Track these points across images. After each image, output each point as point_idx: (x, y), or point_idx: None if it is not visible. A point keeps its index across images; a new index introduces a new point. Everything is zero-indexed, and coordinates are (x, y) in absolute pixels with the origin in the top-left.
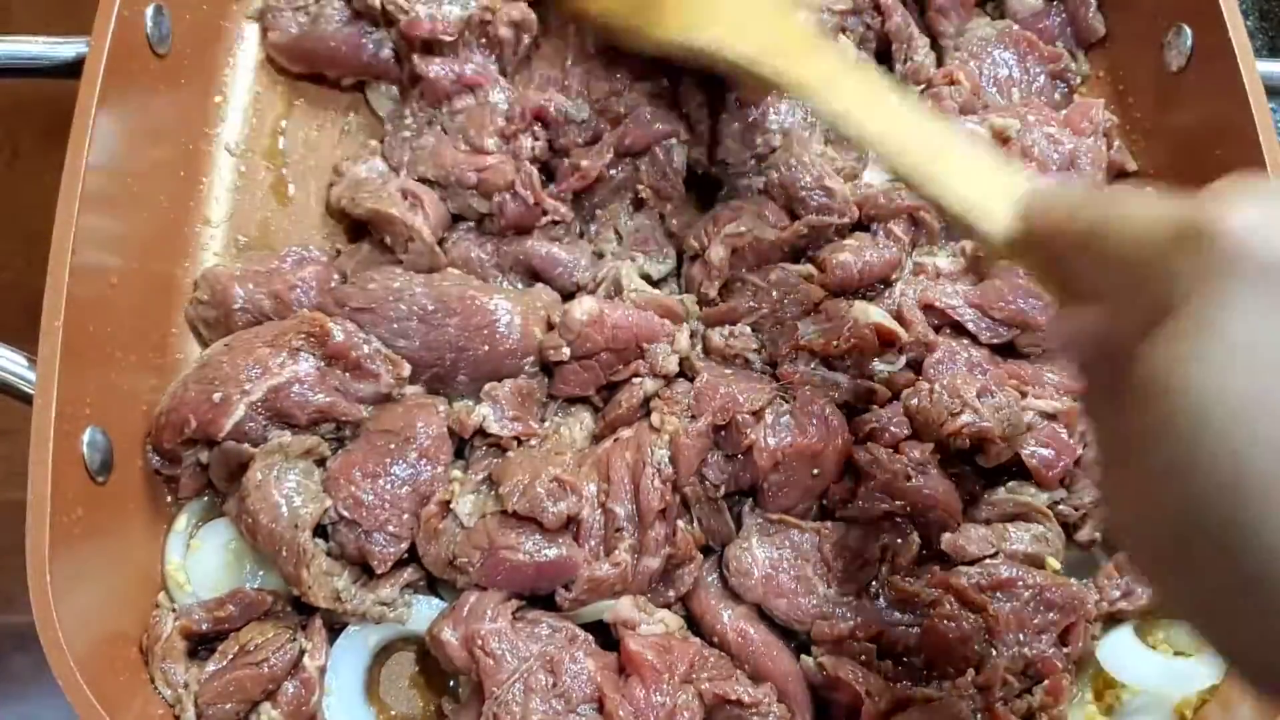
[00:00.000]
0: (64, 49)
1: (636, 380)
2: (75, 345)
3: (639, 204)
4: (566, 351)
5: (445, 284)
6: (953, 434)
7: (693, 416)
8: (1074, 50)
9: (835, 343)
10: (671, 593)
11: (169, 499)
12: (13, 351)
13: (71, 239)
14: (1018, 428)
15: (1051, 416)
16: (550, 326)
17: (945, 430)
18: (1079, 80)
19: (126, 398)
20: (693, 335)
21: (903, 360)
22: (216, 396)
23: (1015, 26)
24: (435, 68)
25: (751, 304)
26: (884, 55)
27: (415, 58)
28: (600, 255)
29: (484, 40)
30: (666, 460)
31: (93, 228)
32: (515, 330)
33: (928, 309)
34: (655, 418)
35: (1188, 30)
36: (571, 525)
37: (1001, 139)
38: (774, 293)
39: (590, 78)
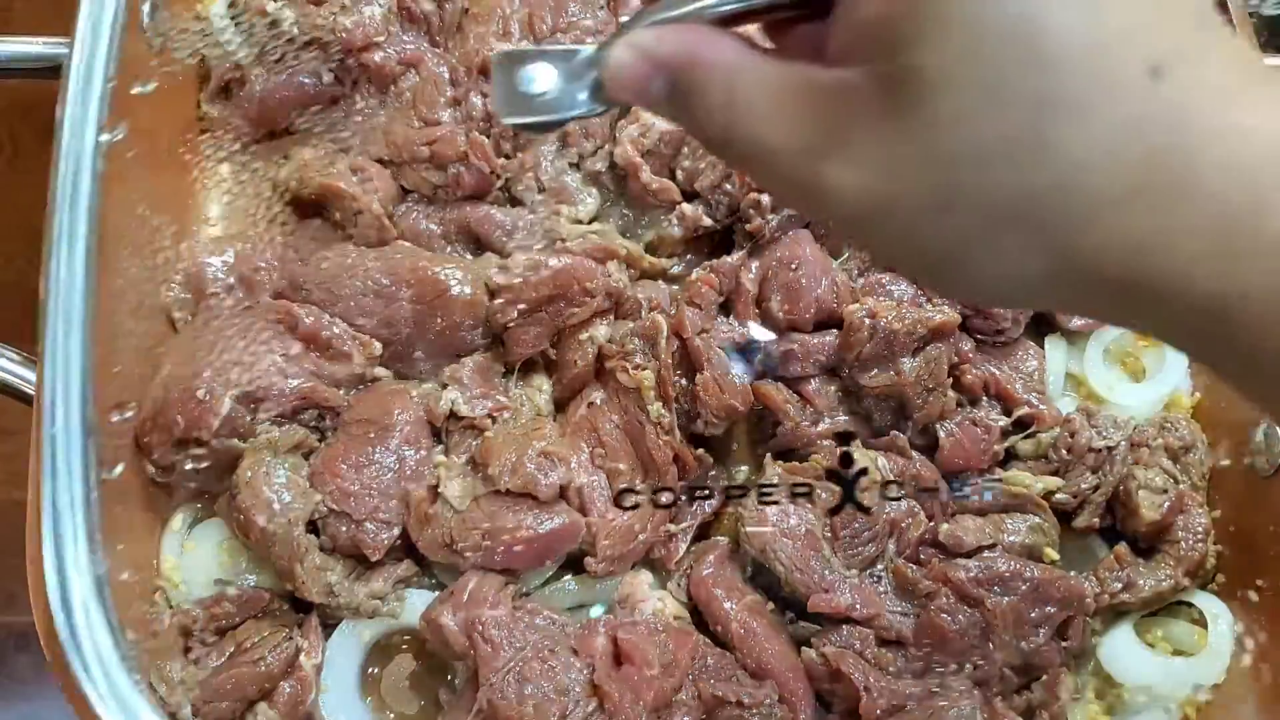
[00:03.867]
0: (64, 49)
1: (584, 336)
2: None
3: (564, 142)
4: (514, 311)
5: (397, 256)
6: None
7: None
8: None
9: None
10: (707, 507)
11: (167, 496)
12: (13, 351)
13: None
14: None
15: (973, 402)
16: (492, 295)
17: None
18: None
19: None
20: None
21: None
22: (201, 393)
23: None
24: (378, 55)
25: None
26: None
27: (358, 54)
28: (520, 203)
29: (409, 22)
30: (662, 412)
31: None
32: (466, 299)
33: None
34: (623, 377)
35: None
36: (573, 497)
37: None
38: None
39: (534, 18)
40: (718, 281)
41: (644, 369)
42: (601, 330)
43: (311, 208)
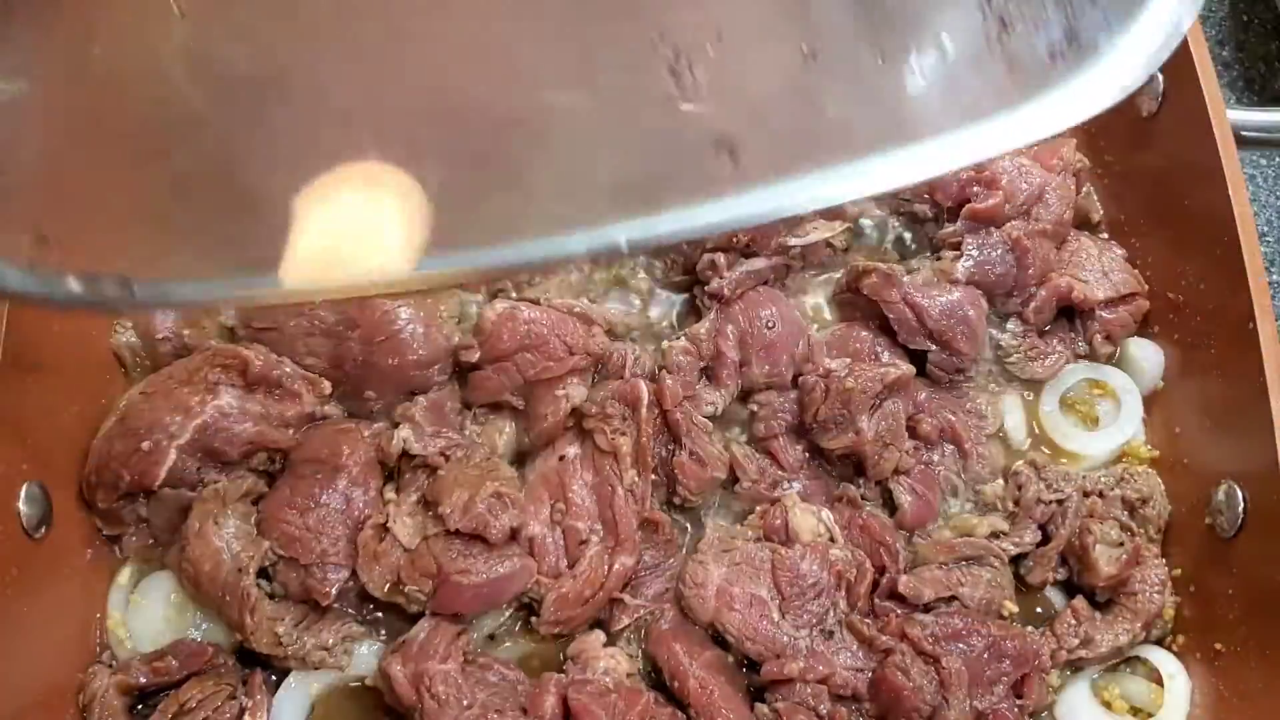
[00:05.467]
0: None
1: (560, 392)
2: (12, 398)
3: None
4: (477, 353)
5: None
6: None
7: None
8: None
9: (736, 236)
10: (658, 585)
11: (114, 550)
12: None
13: None
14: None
15: (927, 463)
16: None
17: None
18: None
19: (69, 449)
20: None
21: (814, 234)
22: (145, 446)
23: None
24: None
25: None
26: None
27: None
28: None
29: None
30: (636, 479)
31: None
32: (419, 338)
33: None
34: (601, 440)
35: (1159, 75)
36: (523, 543)
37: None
38: None
39: None
40: (697, 349)
41: (623, 434)
42: (577, 389)
43: None
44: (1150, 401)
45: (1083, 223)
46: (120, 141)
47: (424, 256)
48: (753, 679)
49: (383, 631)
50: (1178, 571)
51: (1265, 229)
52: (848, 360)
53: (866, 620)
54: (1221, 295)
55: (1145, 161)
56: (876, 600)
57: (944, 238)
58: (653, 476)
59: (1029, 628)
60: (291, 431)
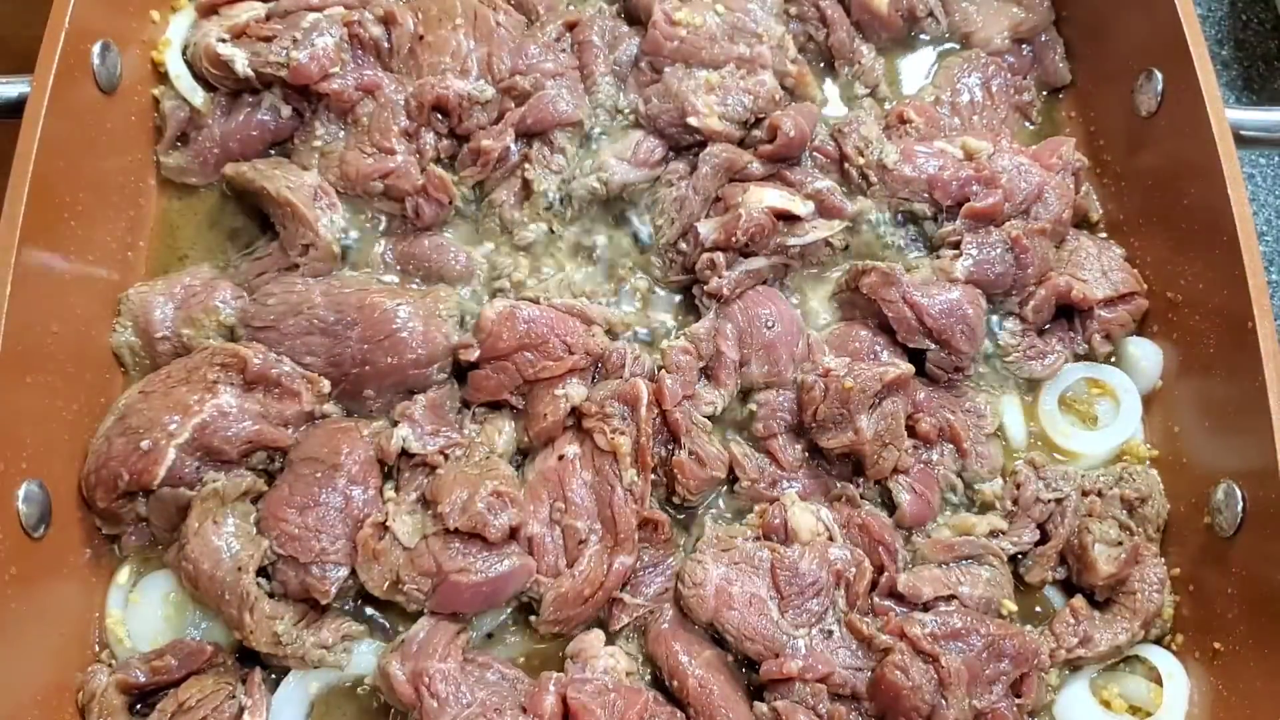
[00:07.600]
0: (4, 89)
1: (559, 391)
2: (9, 398)
3: (527, 190)
4: (476, 352)
5: (345, 291)
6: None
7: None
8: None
9: (735, 236)
10: (658, 584)
11: (114, 549)
12: None
13: (8, 292)
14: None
15: (926, 462)
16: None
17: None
18: (1038, 120)
19: (68, 448)
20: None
21: (813, 233)
22: (145, 445)
23: (984, 55)
24: (335, 83)
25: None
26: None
27: (315, 85)
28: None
29: (360, 49)
30: (635, 479)
31: (33, 274)
32: (418, 337)
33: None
34: (601, 439)
35: (1159, 75)
36: (522, 542)
37: (969, 157)
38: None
39: (492, 58)
40: (696, 349)
41: (622, 434)
42: (576, 388)
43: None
44: (1149, 400)
45: (1082, 222)
46: None
47: None
48: (752, 678)
49: (385, 630)
50: (1177, 571)
51: (1264, 228)
52: (847, 359)
53: (865, 619)
54: (1220, 294)
55: (1145, 161)
56: (875, 599)
57: (943, 236)
58: (652, 476)
59: (1028, 627)
60: (290, 430)
